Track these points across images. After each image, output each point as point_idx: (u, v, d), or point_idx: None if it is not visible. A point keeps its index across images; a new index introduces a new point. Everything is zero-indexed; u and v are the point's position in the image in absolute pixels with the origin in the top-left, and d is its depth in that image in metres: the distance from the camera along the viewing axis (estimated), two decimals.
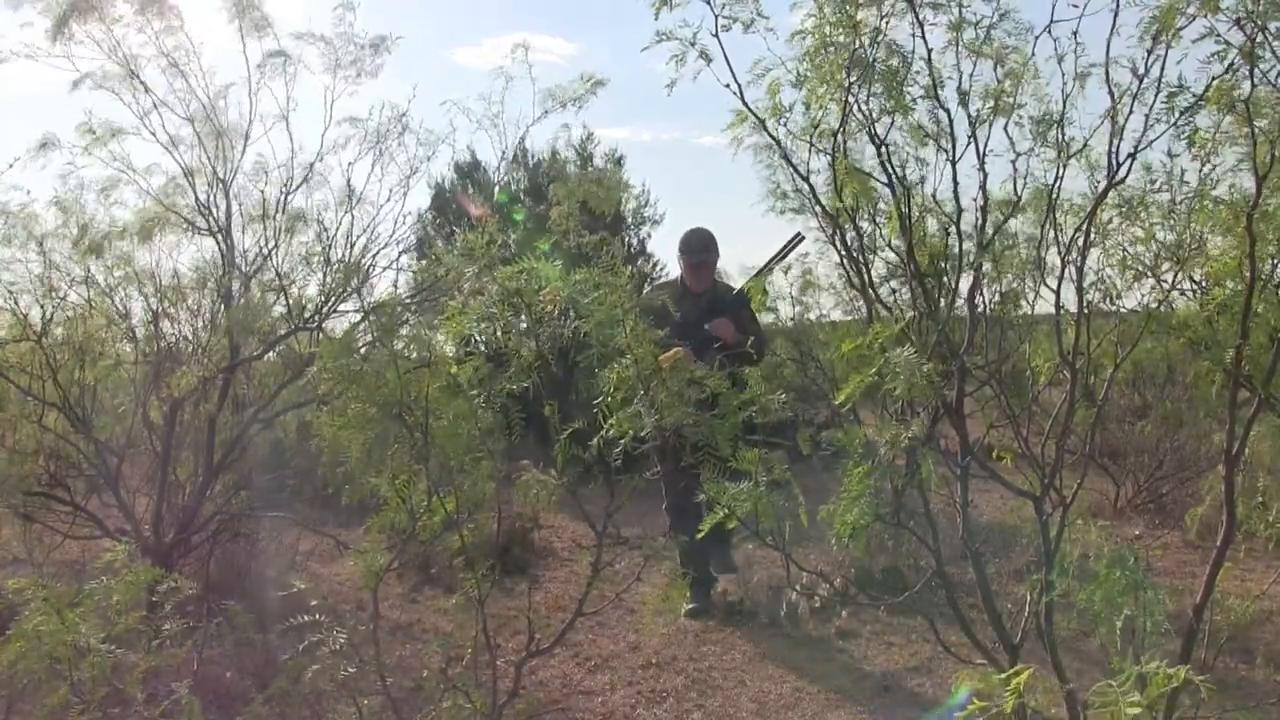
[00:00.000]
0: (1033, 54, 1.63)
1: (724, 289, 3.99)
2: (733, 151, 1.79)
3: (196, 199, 3.69)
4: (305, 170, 3.75)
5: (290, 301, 3.65)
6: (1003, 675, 1.28)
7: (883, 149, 1.69)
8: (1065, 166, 1.71)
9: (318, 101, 3.72)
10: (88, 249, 3.67)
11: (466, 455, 1.79)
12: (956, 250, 1.77)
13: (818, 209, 2.21)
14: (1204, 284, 1.88)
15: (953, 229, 1.74)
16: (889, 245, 2.20)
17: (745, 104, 1.69)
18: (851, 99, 1.65)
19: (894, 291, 4.26)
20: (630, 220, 8.73)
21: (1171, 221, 1.89)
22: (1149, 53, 1.56)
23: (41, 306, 3.77)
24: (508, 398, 1.86)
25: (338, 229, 3.84)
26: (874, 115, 1.67)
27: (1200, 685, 1.17)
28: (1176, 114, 1.58)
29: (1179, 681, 1.16)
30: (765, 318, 4.56)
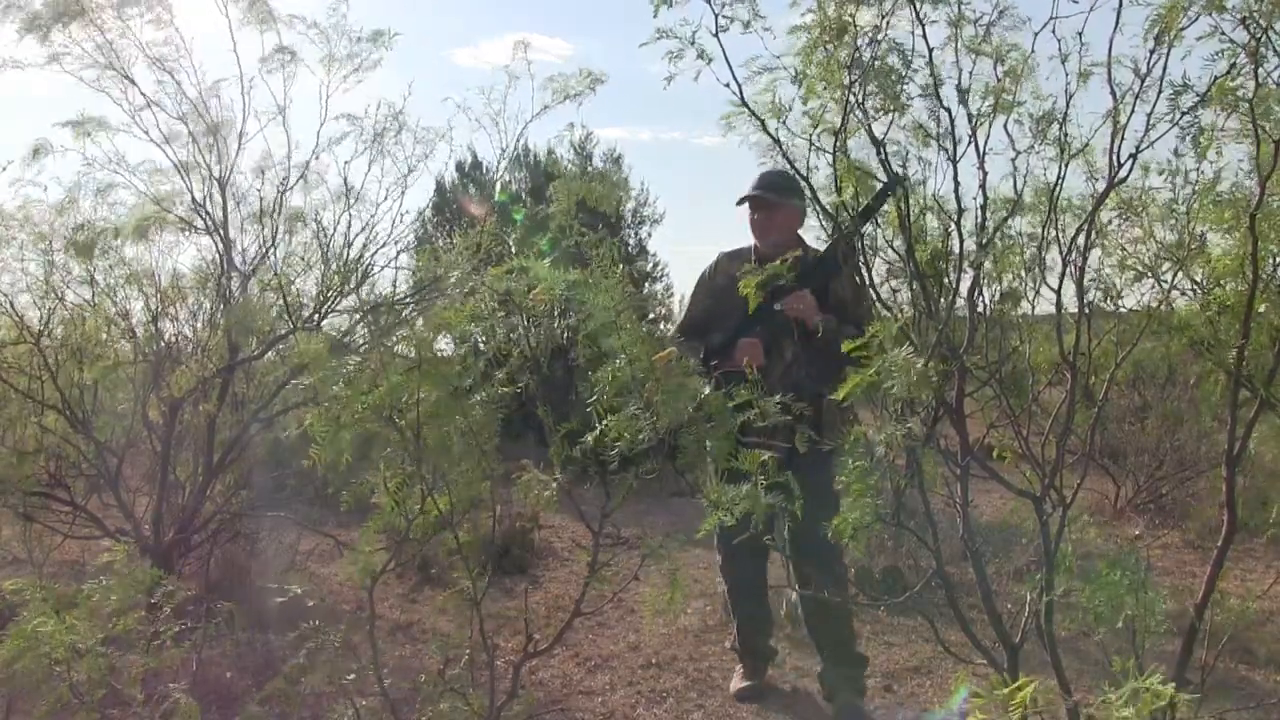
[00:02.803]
0: (1033, 51, 1.62)
1: (814, 255, 2.73)
2: (724, 135, 1.77)
3: (193, 198, 3.69)
4: (301, 168, 3.73)
5: (288, 301, 3.64)
6: (1006, 690, 1.28)
7: (881, 148, 1.69)
8: (1066, 165, 1.71)
9: (313, 96, 3.71)
10: (84, 247, 3.65)
11: (460, 455, 1.78)
12: (957, 249, 1.76)
13: (818, 207, 2.19)
14: (1205, 284, 1.88)
15: (953, 228, 1.74)
16: (890, 245, 2.19)
17: (745, 103, 1.69)
18: (851, 97, 1.65)
19: (894, 291, 4.25)
20: (629, 220, 8.76)
21: (1173, 221, 1.88)
22: (1151, 52, 1.56)
23: (40, 308, 3.77)
24: (502, 397, 1.86)
25: (335, 228, 3.84)
26: (872, 114, 1.66)
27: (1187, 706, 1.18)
28: (1179, 113, 1.57)
29: (1166, 701, 1.16)
30: None
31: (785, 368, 2.75)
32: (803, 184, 1.89)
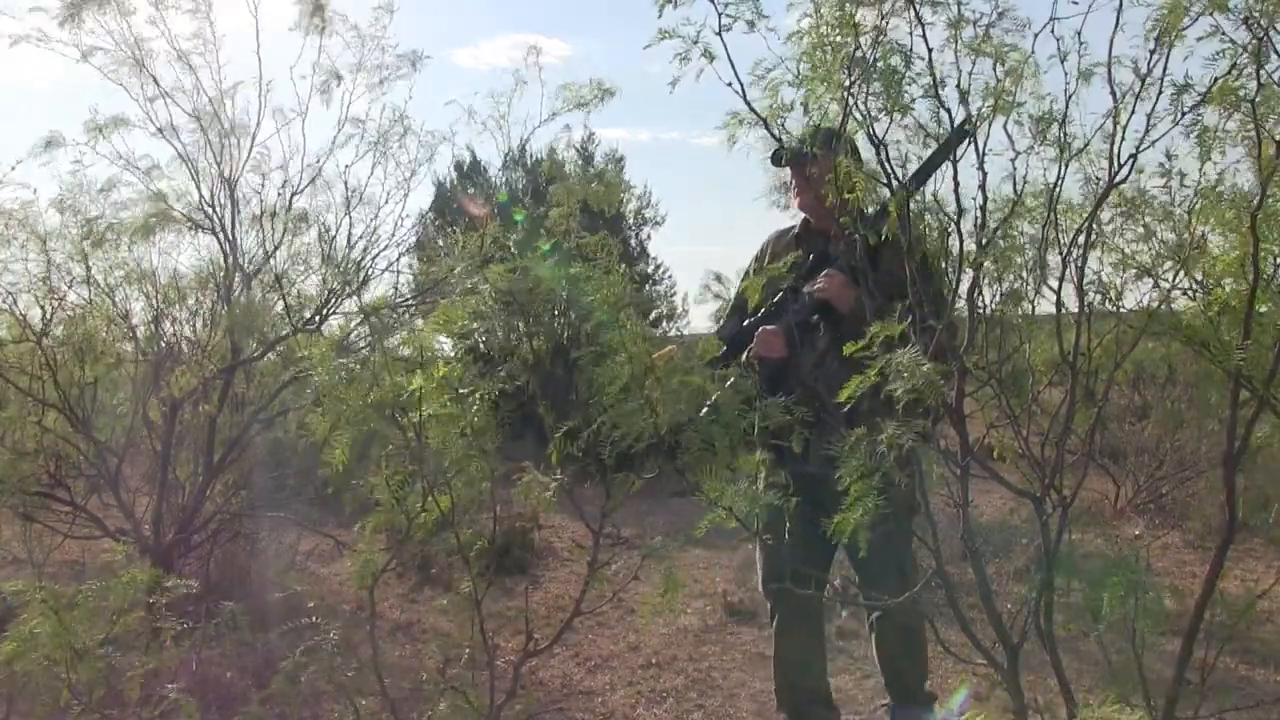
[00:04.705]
0: (1033, 51, 1.62)
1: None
2: (729, 149, 1.77)
3: (200, 197, 3.70)
4: (312, 170, 3.75)
5: (290, 302, 3.65)
6: None
7: (882, 149, 1.69)
8: (1066, 166, 1.70)
9: (329, 99, 3.71)
10: (91, 244, 3.66)
11: (460, 455, 1.78)
12: (957, 250, 1.76)
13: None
14: (1205, 284, 1.87)
15: (952, 229, 1.74)
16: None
17: (748, 103, 1.68)
18: (850, 98, 1.65)
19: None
20: (631, 221, 8.76)
21: (1173, 222, 1.88)
22: (1151, 52, 1.56)
23: (42, 307, 3.77)
24: (502, 395, 1.86)
25: (338, 229, 3.85)
26: (872, 115, 1.66)
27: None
28: (1180, 113, 1.57)
29: None
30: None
31: (818, 358, 2.32)
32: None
